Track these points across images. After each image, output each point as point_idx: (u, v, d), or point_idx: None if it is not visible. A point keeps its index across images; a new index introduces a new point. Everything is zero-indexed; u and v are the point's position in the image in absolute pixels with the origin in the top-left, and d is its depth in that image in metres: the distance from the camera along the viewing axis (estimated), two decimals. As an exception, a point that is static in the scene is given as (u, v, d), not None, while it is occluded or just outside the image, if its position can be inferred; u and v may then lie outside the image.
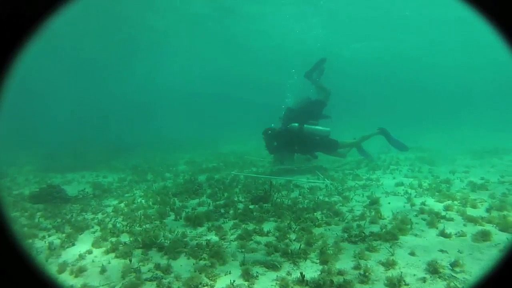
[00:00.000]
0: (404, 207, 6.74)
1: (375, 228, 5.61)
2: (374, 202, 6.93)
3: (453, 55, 35.47)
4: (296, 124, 10.73)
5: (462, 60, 36.38)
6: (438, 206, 6.67)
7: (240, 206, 6.94)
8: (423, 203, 6.85)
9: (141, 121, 34.92)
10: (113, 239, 5.27)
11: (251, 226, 5.80)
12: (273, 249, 4.82)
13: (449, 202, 6.88)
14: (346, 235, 5.35)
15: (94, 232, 5.67)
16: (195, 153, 16.93)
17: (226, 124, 32.81)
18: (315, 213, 6.42)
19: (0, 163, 12.50)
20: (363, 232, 5.32)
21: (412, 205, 6.80)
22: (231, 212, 6.57)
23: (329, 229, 5.68)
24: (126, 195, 8.19)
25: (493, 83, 39.73)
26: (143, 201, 7.48)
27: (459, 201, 6.91)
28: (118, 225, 5.91)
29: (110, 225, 5.89)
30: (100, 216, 6.60)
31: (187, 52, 35.49)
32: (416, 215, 6.23)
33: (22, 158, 15.03)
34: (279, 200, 7.29)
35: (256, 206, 6.91)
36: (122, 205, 7.28)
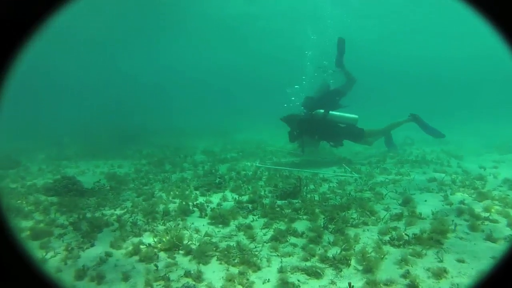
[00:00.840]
0: (442, 206, 6.32)
1: (416, 230, 5.22)
2: (409, 200, 6.50)
3: (463, 45, 34.69)
4: (322, 111, 10.28)
5: (473, 50, 35.54)
6: (477, 206, 6.25)
7: (267, 201, 6.56)
8: (461, 202, 6.43)
9: (151, 107, 34.41)
10: (135, 239, 4.91)
11: (282, 226, 5.42)
12: (311, 253, 4.45)
13: (488, 202, 6.47)
14: (387, 237, 4.95)
15: (114, 231, 5.25)
16: (208, 141, 16.54)
17: (236, 112, 32.31)
18: (349, 211, 6.03)
19: (12, 152, 12.14)
20: (406, 235, 4.92)
21: (450, 204, 6.39)
22: (258, 208, 6.19)
23: (367, 230, 5.29)
24: (144, 187, 7.81)
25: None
26: (163, 195, 7.11)
27: (498, 201, 6.48)
28: (139, 222, 5.54)
29: (130, 223, 5.52)
30: (118, 211, 6.20)
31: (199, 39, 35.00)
32: (457, 216, 5.83)
33: (33, 145, 14.74)
34: (308, 195, 6.91)
35: (285, 202, 6.54)
36: (141, 199, 6.90)
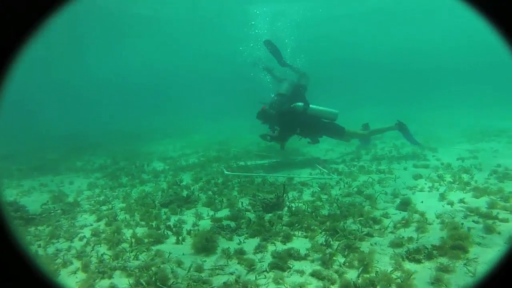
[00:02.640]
0: (443, 207, 5.78)
1: (431, 238, 4.61)
2: (407, 203, 5.90)
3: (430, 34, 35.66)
4: (301, 104, 9.53)
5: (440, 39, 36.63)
6: (479, 203, 5.78)
7: (250, 216, 5.69)
8: (461, 201, 5.93)
9: (97, 113, 32.15)
10: (104, 283, 3.85)
11: (279, 246, 4.59)
12: (328, 283, 3.65)
13: (486, 198, 6.04)
14: (402, 251, 4.27)
15: (75, 272, 4.10)
16: (164, 145, 15.33)
17: (185, 112, 31.02)
18: (347, 221, 5.32)
19: None
20: (426, 247, 4.26)
21: (451, 203, 5.86)
22: (243, 226, 5.30)
23: (375, 243, 4.58)
24: (103, 207, 6.60)
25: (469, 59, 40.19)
26: (127, 216, 5.99)
27: (498, 196, 6.07)
28: (105, 257, 4.43)
29: (94, 259, 4.40)
30: (77, 244, 4.98)
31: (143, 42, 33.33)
32: (465, 217, 5.30)
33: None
34: (293, 205, 6.12)
35: (271, 215, 5.70)
36: (102, 224, 5.73)
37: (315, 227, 5.05)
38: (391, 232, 4.91)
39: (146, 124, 24.20)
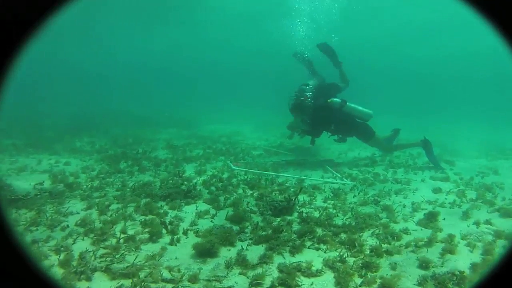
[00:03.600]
0: (468, 227, 5.22)
1: (459, 263, 4.07)
2: (428, 219, 5.36)
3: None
4: (339, 100, 9.02)
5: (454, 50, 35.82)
6: (506, 226, 5.23)
7: (256, 219, 5.16)
8: (487, 222, 5.36)
9: (104, 93, 31.63)
10: (82, 286, 3.33)
11: (287, 258, 4.06)
12: (344, 309, 3.13)
13: (514, 219, 5.50)
14: (428, 273, 3.74)
15: (48, 269, 3.48)
16: (171, 133, 14.83)
17: (199, 101, 30.55)
18: (363, 234, 4.78)
19: None
20: (454, 274, 3.72)
21: (476, 223, 5.29)
22: (247, 230, 4.77)
23: (394, 263, 4.03)
24: (95, 194, 6.07)
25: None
26: (119, 206, 5.46)
27: (529, 218, 5.52)
28: (87, 255, 3.88)
29: (74, 255, 3.86)
30: (58, 234, 4.40)
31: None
32: (493, 241, 4.75)
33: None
34: (304, 210, 5.58)
35: (279, 220, 5.17)
36: (91, 213, 5.17)
37: (328, 239, 4.51)
38: (412, 252, 4.37)
39: (157, 110, 23.64)
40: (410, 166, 9.20)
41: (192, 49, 41.80)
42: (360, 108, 9.08)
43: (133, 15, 29.15)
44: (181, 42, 38.75)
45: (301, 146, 11.95)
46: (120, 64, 44.23)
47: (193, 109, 25.08)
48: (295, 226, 4.94)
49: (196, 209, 5.46)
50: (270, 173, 7.86)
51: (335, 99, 8.97)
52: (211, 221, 5.07)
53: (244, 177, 7.47)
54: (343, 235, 4.65)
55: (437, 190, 7.00)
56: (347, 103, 8.93)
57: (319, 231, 4.75)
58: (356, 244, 4.35)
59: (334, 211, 5.63)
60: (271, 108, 23.39)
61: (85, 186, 6.47)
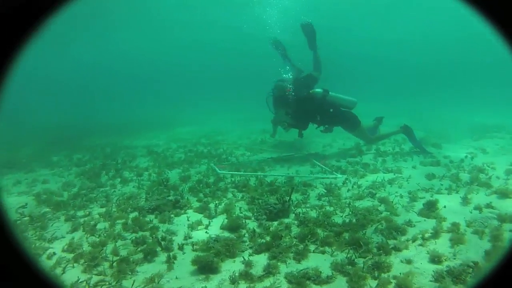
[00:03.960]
0: (471, 212, 5.08)
1: (471, 252, 3.92)
2: (429, 208, 5.19)
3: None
4: (320, 90, 8.85)
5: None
6: (508, 208, 5.12)
7: (252, 225, 4.88)
8: (488, 205, 5.23)
9: (74, 102, 30.42)
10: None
11: (292, 265, 3.80)
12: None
13: (513, 200, 5.42)
14: (443, 268, 3.55)
15: None
16: (149, 138, 14.35)
17: (174, 103, 29.89)
18: (366, 231, 4.56)
19: None
20: (469, 265, 3.54)
21: (479, 209, 5.16)
22: (245, 238, 4.48)
23: (405, 260, 3.82)
24: (79, 213, 5.64)
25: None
26: (106, 225, 5.07)
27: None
28: (81, 286, 3.49)
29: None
30: (45, 263, 3.99)
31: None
32: (500, 225, 4.61)
33: None
34: (300, 210, 5.33)
35: (276, 223, 4.90)
36: (77, 235, 4.76)
37: (332, 240, 4.26)
38: (421, 245, 4.18)
39: (129, 115, 23.01)
40: (398, 153, 9.07)
41: (159, 50, 41.06)
42: (343, 96, 8.93)
43: (93, 20, 28.29)
44: (145, 44, 38.01)
45: (284, 141, 11.73)
46: (85, 71, 42.96)
47: (169, 111, 24.55)
48: (294, 229, 4.69)
49: (188, 220, 5.14)
50: (258, 173, 7.57)
51: (317, 90, 8.80)
52: (206, 232, 4.75)
53: (231, 180, 7.18)
54: (346, 235, 4.41)
55: (430, 176, 6.87)
56: (330, 93, 8.75)
57: (320, 232, 4.51)
58: (362, 244, 4.11)
59: (331, 208, 5.40)
60: (249, 104, 23.16)
61: (67, 205, 6.02)
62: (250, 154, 10.08)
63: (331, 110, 8.83)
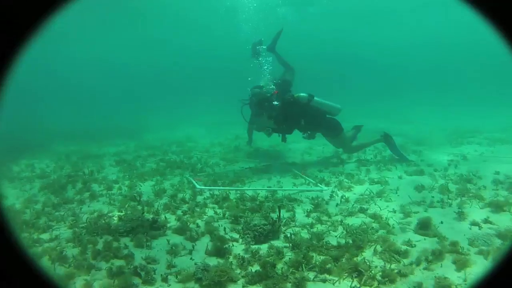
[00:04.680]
0: (470, 229, 4.86)
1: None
2: (425, 224, 4.92)
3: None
4: (305, 95, 8.60)
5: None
6: (505, 223, 4.95)
7: (238, 249, 4.46)
8: (486, 221, 5.04)
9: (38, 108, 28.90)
10: None
11: (292, 301, 3.41)
12: None
13: (510, 215, 5.30)
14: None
15: None
16: (117, 145, 13.65)
17: (141, 108, 28.98)
18: (363, 253, 4.24)
19: None
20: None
21: (475, 224, 4.95)
22: (233, 265, 4.04)
23: (413, 288, 3.52)
24: (43, 237, 5.02)
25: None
26: (76, 252, 4.49)
27: (515, 212, 5.32)
28: None
29: None
30: None
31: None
32: (502, 242, 4.41)
33: None
34: (289, 231, 4.94)
35: (266, 247, 4.49)
36: (44, 263, 4.17)
37: (331, 266, 3.90)
38: (426, 269, 3.88)
39: (94, 121, 22.03)
40: (380, 162, 8.87)
41: (121, 54, 39.77)
42: (327, 102, 8.68)
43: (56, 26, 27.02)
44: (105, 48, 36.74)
45: (259, 148, 11.39)
46: (47, 75, 41.16)
47: (136, 117, 23.76)
48: (288, 254, 4.28)
49: (168, 244, 4.64)
50: (240, 187, 7.12)
51: (302, 94, 8.56)
52: (191, 258, 4.27)
53: (209, 193, 6.73)
54: (343, 259, 4.06)
55: (419, 188, 6.66)
56: (315, 98, 8.49)
57: (316, 257, 4.13)
58: (362, 270, 3.77)
59: (322, 227, 5.05)
60: (218, 108, 22.71)
61: (29, 227, 5.39)
62: (225, 163, 9.64)
63: (315, 115, 8.55)
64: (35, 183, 8.13)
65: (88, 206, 6.43)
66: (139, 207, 6.06)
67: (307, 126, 8.65)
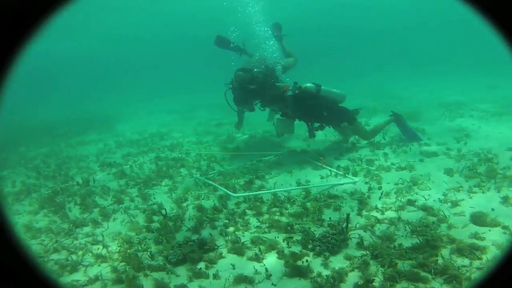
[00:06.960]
0: None
1: None
2: (479, 215, 5.05)
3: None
4: (312, 84, 8.37)
5: None
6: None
7: (318, 266, 4.37)
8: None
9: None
10: None
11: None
12: None
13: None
14: None
15: None
16: (94, 142, 13.06)
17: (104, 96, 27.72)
18: (440, 252, 4.29)
19: None
20: None
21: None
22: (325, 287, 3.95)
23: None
24: (77, 278, 4.45)
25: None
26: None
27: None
28: None
29: None
30: None
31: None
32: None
33: None
34: (357, 236, 4.88)
35: (343, 258, 4.44)
36: None
37: (422, 274, 3.92)
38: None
39: (51, 115, 20.82)
40: (392, 143, 9.01)
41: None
42: (334, 90, 8.59)
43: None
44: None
45: (255, 136, 11.28)
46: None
47: (99, 107, 22.79)
48: (372, 264, 4.24)
49: (233, 268, 4.43)
50: (273, 190, 6.76)
51: (308, 84, 8.35)
52: (272, 284, 4.10)
53: (242, 198, 6.51)
54: (430, 263, 4.08)
55: (449, 172, 6.82)
56: (322, 87, 8.37)
57: (403, 264, 4.12)
58: (458, 274, 3.83)
59: (383, 227, 5.07)
60: (191, 92, 22.12)
61: (51, 263, 4.86)
62: (229, 156, 9.36)
63: (330, 105, 8.45)
64: (25, 203, 7.43)
65: (107, 228, 5.86)
66: (170, 223, 5.71)
67: (329, 116, 8.46)
